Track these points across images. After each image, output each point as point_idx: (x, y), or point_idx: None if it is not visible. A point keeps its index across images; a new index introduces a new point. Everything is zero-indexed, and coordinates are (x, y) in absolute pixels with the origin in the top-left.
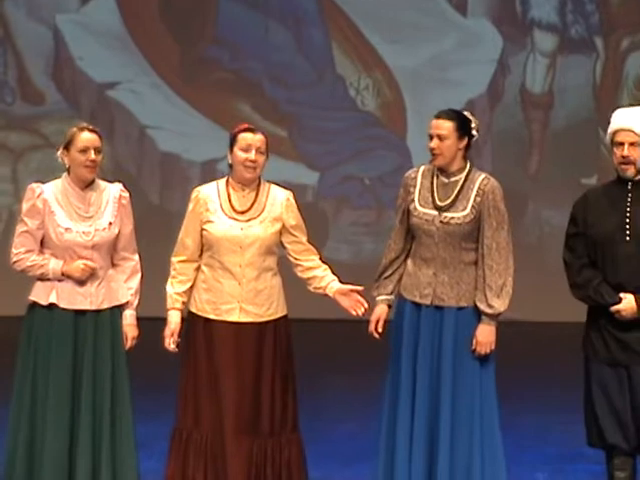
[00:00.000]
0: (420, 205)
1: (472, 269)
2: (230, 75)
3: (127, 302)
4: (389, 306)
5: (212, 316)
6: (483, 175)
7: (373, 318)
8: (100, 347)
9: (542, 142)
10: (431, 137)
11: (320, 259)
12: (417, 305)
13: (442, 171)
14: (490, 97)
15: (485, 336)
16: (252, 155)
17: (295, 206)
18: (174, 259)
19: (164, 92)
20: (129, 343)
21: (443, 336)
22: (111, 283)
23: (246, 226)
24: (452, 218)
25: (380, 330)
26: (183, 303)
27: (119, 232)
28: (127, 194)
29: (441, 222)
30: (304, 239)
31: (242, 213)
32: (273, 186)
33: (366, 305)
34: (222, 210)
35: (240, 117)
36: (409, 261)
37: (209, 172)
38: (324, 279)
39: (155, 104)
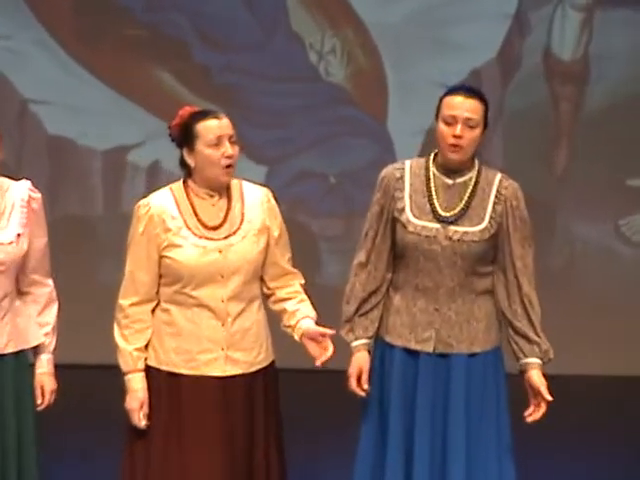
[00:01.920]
0: (414, 216)
1: (485, 301)
2: (144, 32)
3: (41, 344)
4: (369, 352)
5: (184, 370)
6: (499, 175)
7: (353, 371)
8: (1, 406)
9: (573, 129)
10: (448, 122)
11: (302, 286)
12: (411, 352)
13: (444, 169)
14: (502, 66)
15: (546, 389)
16: (229, 149)
17: (277, 209)
18: (123, 302)
19: (53, 53)
20: (45, 399)
21: (451, 392)
22: (17, 318)
23: (225, 246)
24: (465, 234)
25: (366, 386)
26: (146, 360)
27: (29, 247)
28: (39, 195)
29: (449, 239)
30: (287, 258)
31: (216, 229)
32: (245, 183)
33: (330, 352)
34: (188, 228)
35: (158, 90)
36: (395, 292)
37: (116, 164)
38: (294, 315)
39: (41, 69)
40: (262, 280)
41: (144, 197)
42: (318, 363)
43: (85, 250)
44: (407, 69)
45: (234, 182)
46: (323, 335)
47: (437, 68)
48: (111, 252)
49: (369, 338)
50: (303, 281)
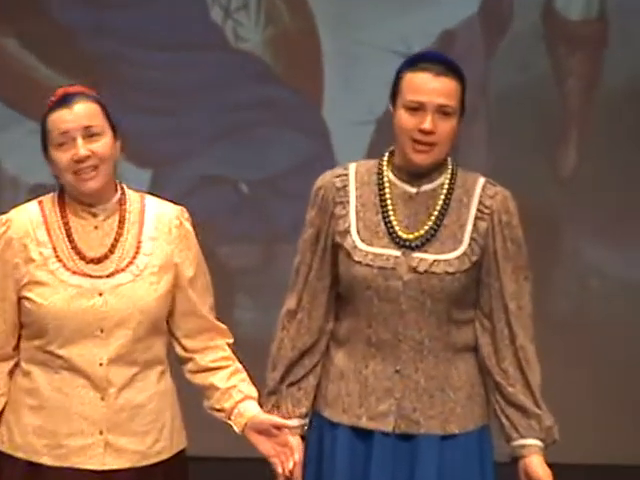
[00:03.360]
0: (363, 240)
1: (466, 360)
2: None
3: None
4: (302, 436)
5: (47, 460)
6: (482, 179)
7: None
8: None
9: (586, 115)
10: (412, 109)
11: (230, 347)
12: (362, 433)
13: (404, 173)
14: (486, 26)
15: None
16: (80, 150)
17: (193, 238)
18: None
19: None
20: None
21: None
22: None
23: (109, 286)
24: (435, 263)
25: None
26: None
27: None
28: None
29: (414, 271)
30: (208, 306)
31: (98, 262)
32: (149, 198)
33: (297, 455)
34: (58, 259)
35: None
36: (338, 349)
37: None
38: (229, 396)
39: None
40: (176, 339)
41: (0, 213)
42: (281, 469)
43: None
44: (351, 31)
45: (133, 195)
46: (278, 427)
47: (394, 29)
48: None
49: (302, 416)
50: (231, 339)
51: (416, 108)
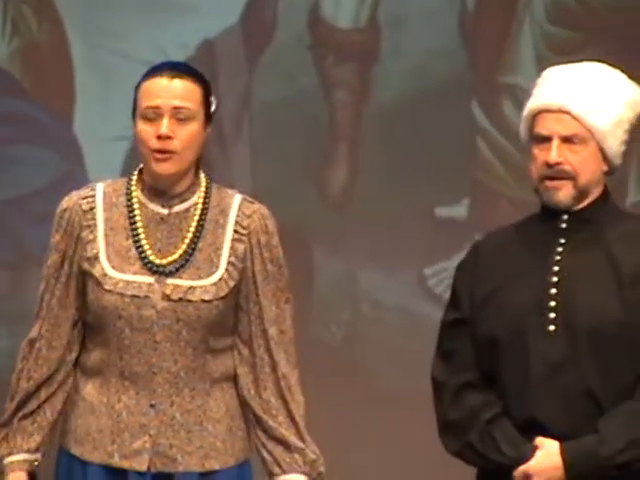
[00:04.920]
0: (113, 267)
1: (225, 391)
2: None
3: None
4: (33, 474)
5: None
6: (239, 196)
7: None
8: None
9: (356, 130)
10: (149, 118)
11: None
12: (115, 472)
13: (154, 193)
14: (248, 36)
15: None
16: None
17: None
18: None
19: None
20: None
21: None
22: None
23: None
24: (190, 290)
25: None
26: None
27: None
28: None
29: (167, 299)
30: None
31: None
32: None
33: None
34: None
35: None
36: (87, 382)
37: None
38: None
39: None
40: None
41: None
42: None
43: None
44: (105, 41)
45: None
46: None
47: (151, 40)
48: None
49: (31, 451)
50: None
51: (152, 118)
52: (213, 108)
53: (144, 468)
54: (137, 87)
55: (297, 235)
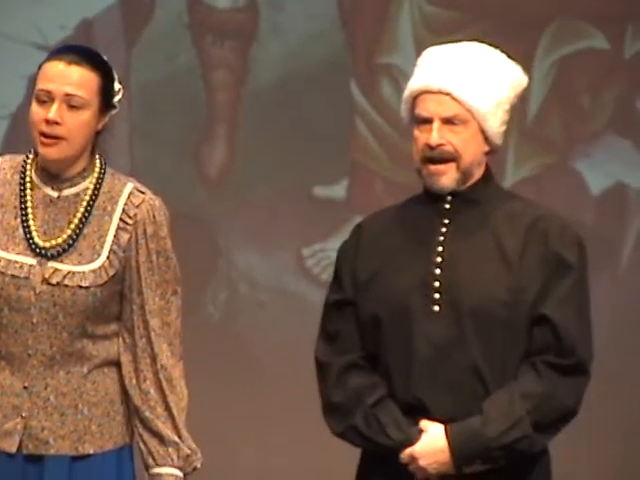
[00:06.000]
0: (1, 246)
1: (104, 376)
2: None
3: None
4: None
5: None
6: (131, 185)
7: None
8: None
9: (234, 111)
10: (42, 100)
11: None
12: None
13: (46, 175)
14: (126, 16)
15: None
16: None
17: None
18: None
19: None
20: None
21: None
22: None
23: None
24: (70, 275)
25: None
26: None
27: None
28: None
29: (47, 282)
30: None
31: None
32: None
33: None
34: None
35: None
36: None
37: None
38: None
39: None
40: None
41: None
42: None
43: None
44: None
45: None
46: None
47: (29, 20)
48: None
49: None
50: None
51: (45, 101)
52: (118, 97)
53: (13, 450)
54: (39, 67)
55: (178, 218)
